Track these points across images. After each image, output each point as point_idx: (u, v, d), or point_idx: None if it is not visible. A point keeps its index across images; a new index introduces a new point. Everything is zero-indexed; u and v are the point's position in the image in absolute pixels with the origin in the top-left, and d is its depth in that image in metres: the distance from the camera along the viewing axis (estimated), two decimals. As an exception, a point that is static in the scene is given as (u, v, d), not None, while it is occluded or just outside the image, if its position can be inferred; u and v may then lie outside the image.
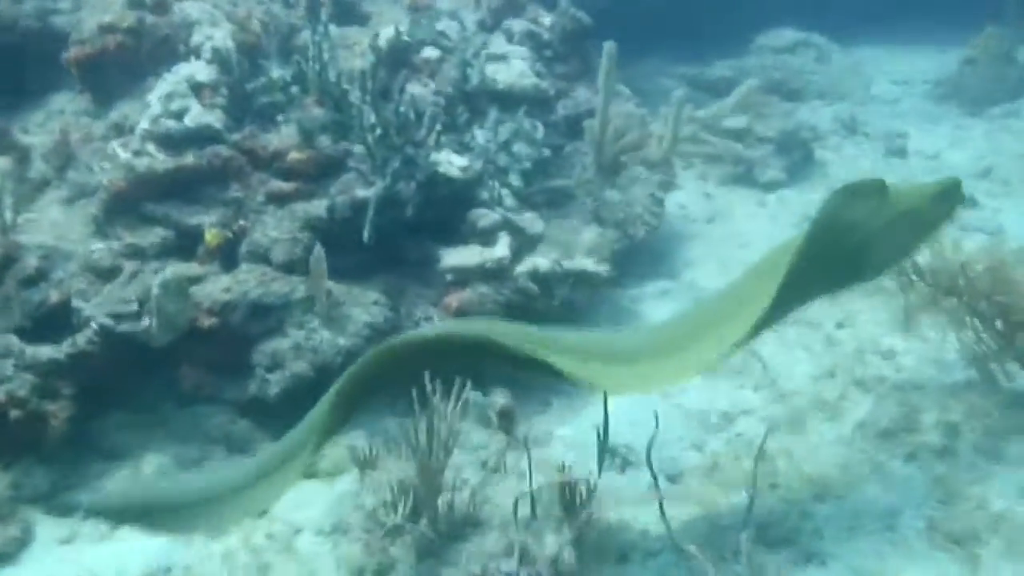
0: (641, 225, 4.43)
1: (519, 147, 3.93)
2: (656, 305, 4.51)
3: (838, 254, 2.58)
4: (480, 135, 3.90)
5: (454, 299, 3.57)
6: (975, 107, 6.81)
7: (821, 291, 2.77)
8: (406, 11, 4.83)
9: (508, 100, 4.42)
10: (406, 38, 4.30)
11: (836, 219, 2.49)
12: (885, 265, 2.84)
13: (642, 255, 4.82)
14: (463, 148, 3.89)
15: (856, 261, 2.64)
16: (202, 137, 3.65)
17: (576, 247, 4.03)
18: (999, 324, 3.28)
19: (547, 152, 4.13)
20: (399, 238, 3.68)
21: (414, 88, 4.17)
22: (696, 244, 5.22)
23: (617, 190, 4.38)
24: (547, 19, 4.91)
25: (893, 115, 7.06)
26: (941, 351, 3.72)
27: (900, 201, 2.63)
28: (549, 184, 4.16)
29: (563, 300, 3.79)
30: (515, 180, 3.88)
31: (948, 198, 2.75)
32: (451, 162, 3.73)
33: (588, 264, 3.88)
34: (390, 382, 2.60)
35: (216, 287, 3.30)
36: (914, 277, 3.47)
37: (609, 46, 4.22)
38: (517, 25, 4.75)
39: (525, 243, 3.87)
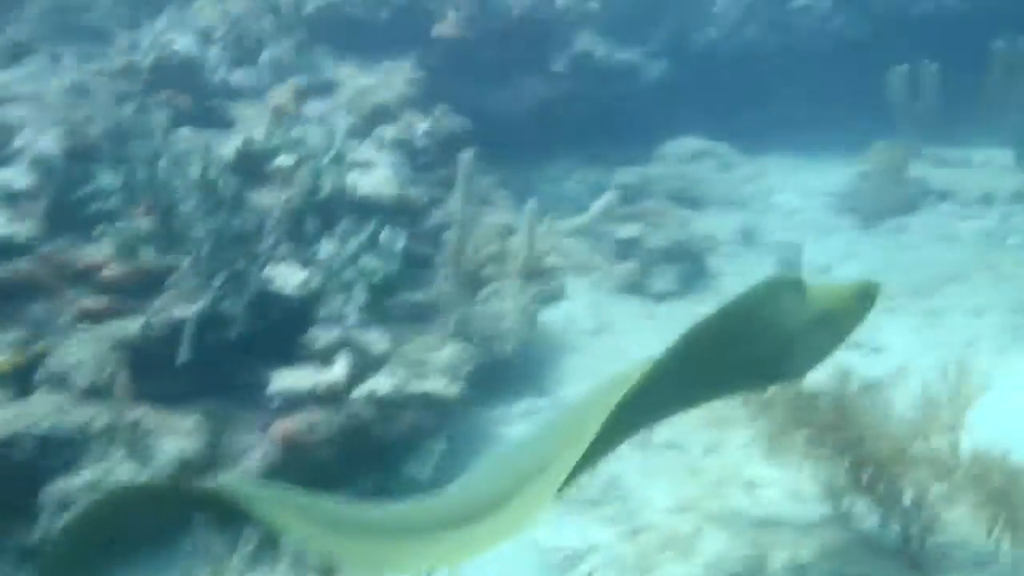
0: (509, 340, 4.28)
1: (368, 260, 3.78)
2: (521, 426, 4.33)
3: (752, 352, 2.44)
4: (325, 247, 3.75)
5: (281, 427, 3.35)
6: (869, 221, 6.88)
7: (728, 391, 2.64)
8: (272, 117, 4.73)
9: (369, 209, 4.30)
10: (259, 144, 4.18)
11: (750, 314, 2.33)
12: (801, 368, 2.72)
13: (513, 372, 4.67)
14: (307, 262, 3.72)
15: (770, 361, 2.51)
16: (6, 250, 3.43)
17: (430, 366, 3.85)
18: (847, 460, 3.15)
19: (395, 266, 3.98)
20: (227, 360, 3.47)
21: (264, 198, 4.02)
22: (576, 358, 5.08)
23: (484, 303, 4.24)
24: (422, 125, 4.86)
25: (791, 226, 7.12)
26: (801, 484, 3.58)
27: (818, 301, 2.52)
28: (410, 298, 4.01)
29: (408, 425, 3.58)
30: (361, 295, 3.72)
31: (865, 300, 2.72)
32: (288, 277, 3.56)
33: (438, 385, 3.70)
34: None
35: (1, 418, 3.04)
36: (767, 403, 3.35)
37: (465, 157, 4.15)
38: (390, 131, 4.69)
39: (370, 363, 3.68)
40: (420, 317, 4.11)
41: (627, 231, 5.97)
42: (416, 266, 4.70)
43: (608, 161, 8.52)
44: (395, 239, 3.97)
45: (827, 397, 3.15)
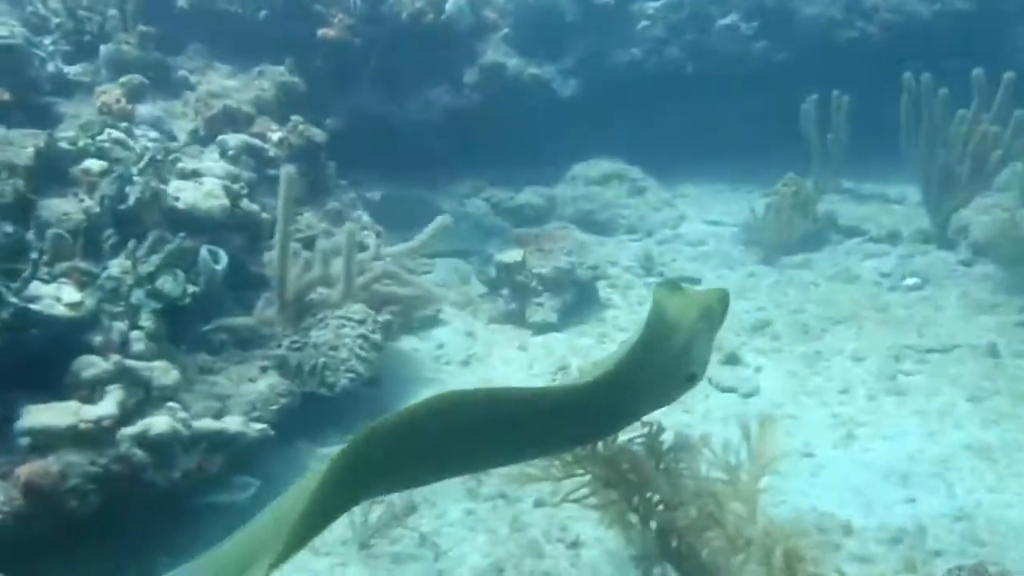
0: (344, 373, 3.96)
1: (165, 280, 3.45)
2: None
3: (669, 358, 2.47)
4: (115, 266, 3.41)
5: (26, 471, 2.99)
6: (772, 255, 6.68)
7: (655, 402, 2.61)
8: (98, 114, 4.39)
9: (193, 224, 3.97)
10: (66, 144, 3.84)
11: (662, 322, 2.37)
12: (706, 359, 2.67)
13: (351, 405, 4.36)
14: (90, 280, 3.38)
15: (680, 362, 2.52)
16: None
17: (236, 400, 3.52)
18: (653, 524, 2.88)
19: (214, 287, 3.66)
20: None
21: (64, 206, 3.67)
22: (429, 392, 4.75)
23: (321, 330, 3.92)
24: (276, 134, 4.54)
25: (693, 257, 6.91)
26: (623, 545, 3.31)
27: (698, 302, 2.60)
28: (232, 323, 3.69)
29: (192, 470, 3.24)
30: (148, 321, 3.39)
31: (725, 299, 2.75)
32: (59, 298, 3.22)
33: (232, 424, 3.37)
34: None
35: None
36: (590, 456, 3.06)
37: (288, 172, 3.84)
38: (235, 139, 4.36)
39: (154, 398, 3.34)
40: (245, 344, 3.78)
41: (510, 256, 5.68)
42: (253, 287, 4.38)
43: (517, 180, 8.28)
44: (214, 258, 3.64)
45: (633, 455, 2.87)
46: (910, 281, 6.12)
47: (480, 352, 5.32)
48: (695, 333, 2.52)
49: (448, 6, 6.22)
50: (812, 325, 5.58)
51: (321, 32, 6.13)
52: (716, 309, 2.66)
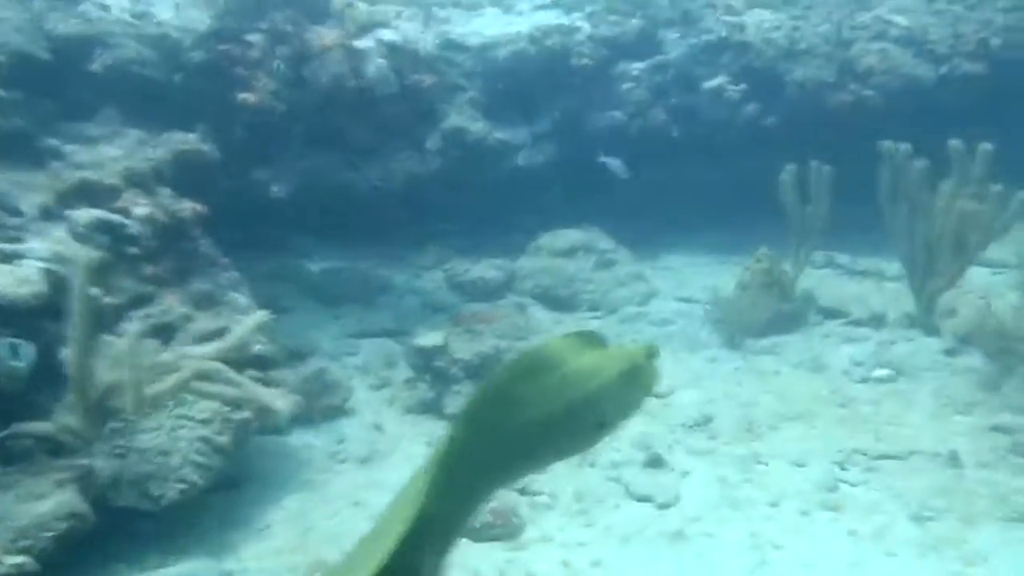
0: (174, 484, 3.67)
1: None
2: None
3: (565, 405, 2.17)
4: None
5: None
6: (739, 339, 6.27)
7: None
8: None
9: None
10: None
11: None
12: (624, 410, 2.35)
13: (195, 519, 4.05)
14: None
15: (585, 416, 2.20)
16: None
17: (7, 526, 3.23)
18: None
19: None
20: None
21: None
22: (306, 499, 4.44)
23: (149, 433, 3.64)
24: (142, 209, 4.33)
25: (655, 338, 6.51)
26: None
27: (618, 355, 2.26)
28: (24, 428, 3.43)
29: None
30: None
31: (653, 356, 2.34)
32: None
33: None
34: None
35: None
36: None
37: (85, 258, 3.59)
38: (86, 215, 4.15)
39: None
40: (58, 451, 3.52)
41: (429, 339, 5.38)
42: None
43: (485, 250, 8.04)
44: (14, 352, 3.41)
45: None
46: (881, 372, 5.66)
47: (384, 448, 4.99)
48: (611, 382, 2.19)
49: (370, 71, 6.03)
50: (760, 421, 5.16)
51: (241, 97, 5.98)
52: (643, 364, 2.28)
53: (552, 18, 9.02)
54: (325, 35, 6.25)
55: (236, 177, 6.42)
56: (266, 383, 4.19)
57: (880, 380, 5.62)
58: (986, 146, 5.70)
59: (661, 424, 5.18)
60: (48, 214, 4.22)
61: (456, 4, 9.71)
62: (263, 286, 6.50)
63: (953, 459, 4.61)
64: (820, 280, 7.40)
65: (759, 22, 8.66)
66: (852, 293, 7.02)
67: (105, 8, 6.70)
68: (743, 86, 8.42)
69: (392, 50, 6.07)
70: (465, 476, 1.93)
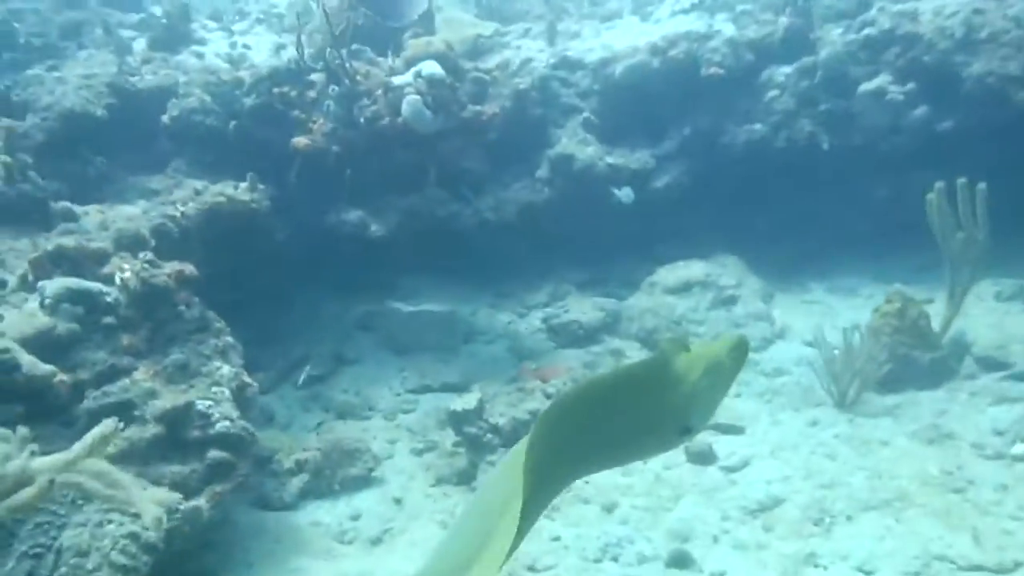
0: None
1: None
2: None
3: (654, 410, 2.61)
4: None
5: None
6: (856, 394, 5.44)
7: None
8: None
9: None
10: None
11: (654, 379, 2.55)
12: (704, 417, 2.84)
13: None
14: None
15: (674, 416, 2.68)
16: None
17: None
18: None
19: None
20: None
21: None
22: None
23: (72, 529, 3.63)
24: (125, 273, 4.38)
25: (759, 392, 5.84)
26: None
27: (703, 357, 2.76)
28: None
29: None
30: None
31: (739, 350, 2.89)
32: None
33: None
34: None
35: None
36: None
37: None
38: (53, 285, 4.23)
39: None
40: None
41: (464, 402, 5.08)
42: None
43: (608, 283, 7.63)
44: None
45: None
46: (1019, 449, 4.65)
47: (398, 527, 4.72)
48: (696, 390, 2.65)
49: (404, 108, 5.79)
50: (836, 510, 4.38)
51: (294, 141, 5.97)
52: (726, 363, 2.79)
53: (690, 23, 8.41)
54: (373, 71, 6.12)
55: (311, 221, 6.44)
56: (230, 464, 4.05)
57: (1018, 458, 4.60)
58: None
59: (715, 507, 4.54)
60: (26, 283, 4.35)
61: (593, 16, 9.34)
62: (335, 335, 6.51)
63: (1070, 579, 3.64)
64: (996, 317, 6.29)
65: (939, 7, 7.54)
66: (1009, 336, 5.89)
67: (200, 56, 6.99)
68: (910, 86, 7.38)
69: (431, 84, 5.82)
70: (552, 470, 2.26)
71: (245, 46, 7.57)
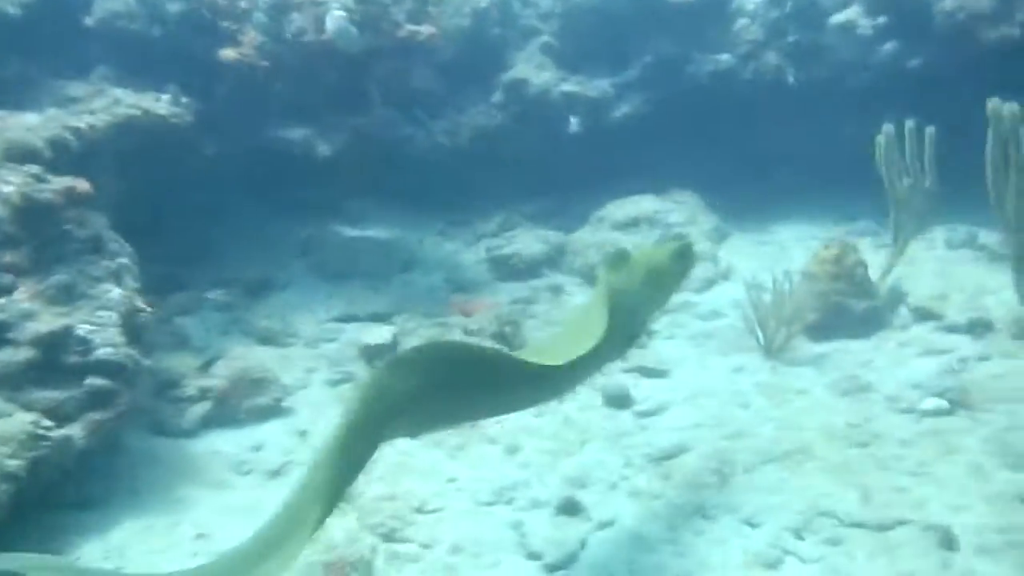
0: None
1: None
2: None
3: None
4: None
5: None
6: (783, 341, 5.42)
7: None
8: None
9: None
10: None
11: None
12: (648, 319, 3.77)
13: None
14: None
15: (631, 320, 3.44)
16: None
17: None
18: None
19: None
20: None
21: None
22: (154, 523, 4.18)
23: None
24: (7, 187, 4.30)
25: (692, 335, 5.89)
26: None
27: (645, 262, 3.54)
28: None
29: None
30: None
31: (683, 257, 3.72)
32: None
33: None
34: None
35: None
36: None
37: None
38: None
39: None
40: None
41: (376, 336, 5.08)
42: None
43: (564, 215, 7.57)
44: None
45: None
46: (932, 403, 4.63)
47: (299, 459, 4.74)
48: (639, 298, 3.45)
49: (328, 24, 5.60)
50: (735, 461, 4.39)
51: (221, 53, 5.82)
52: (670, 268, 3.60)
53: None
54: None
55: (257, 136, 6.33)
56: (110, 392, 4.05)
57: (927, 413, 4.59)
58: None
59: (620, 453, 4.56)
60: None
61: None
62: (269, 257, 6.49)
63: (947, 538, 3.65)
64: (940, 265, 6.24)
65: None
66: (970, 287, 5.83)
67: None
68: (881, 19, 7.18)
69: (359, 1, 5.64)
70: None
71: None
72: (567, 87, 7.36)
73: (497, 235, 7.36)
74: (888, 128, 5.73)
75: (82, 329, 4.09)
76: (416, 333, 5.30)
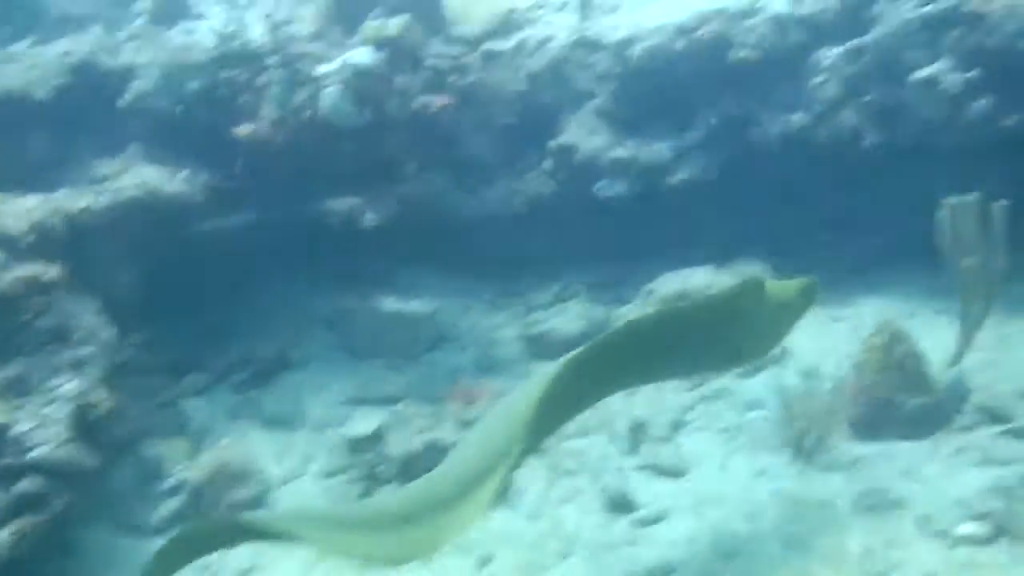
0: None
1: None
2: None
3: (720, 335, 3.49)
4: None
5: None
6: (821, 440, 4.93)
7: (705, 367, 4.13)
8: None
9: None
10: None
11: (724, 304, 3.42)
12: (766, 347, 4.08)
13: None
14: None
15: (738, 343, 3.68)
16: None
17: None
18: None
19: None
20: None
21: None
22: None
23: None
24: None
25: (723, 429, 5.40)
26: None
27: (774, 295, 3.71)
28: None
29: None
30: None
31: (808, 292, 3.98)
32: None
33: None
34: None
35: None
36: None
37: None
38: None
39: None
40: None
41: (361, 428, 4.91)
42: None
43: (602, 288, 7.27)
44: None
45: None
46: (966, 528, 4.05)
47: (266, 563, 4.57)
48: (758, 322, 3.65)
49: (322, 101, 5.50)
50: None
51: (236, 130, 5.85)
52: (793, 300, 3.83)
53: (737, -3, 7.74)
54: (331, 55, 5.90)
55: (285, 208, 6.35)
56: (42, 496, 3.99)
57: (962, 540, 4.01)
58: None
59: (599, 571, 4.20)
60: None
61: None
62: (293, 334, 6.43)
63: None
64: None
65: (1023, -21, 6.62)
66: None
67: (191, 32, 7.02)
68: (973, 73, 6.56)
69: (358, 75, 5.54)
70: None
71: (241, 21, 7.44)
72: (619, 152, 7.05)
73: (551, 306, 7.11)
74: (952, 200, 5.16)
75: (23, 427, 4.07)
76: (412, 423, 5.07)
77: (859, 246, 7.19)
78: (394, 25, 5.98)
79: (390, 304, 6.87)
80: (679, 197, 7.28)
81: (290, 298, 6.75)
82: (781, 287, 3.96)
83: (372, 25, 6.05)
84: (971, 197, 5.06)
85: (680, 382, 5.76)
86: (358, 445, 4.90)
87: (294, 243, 6.63)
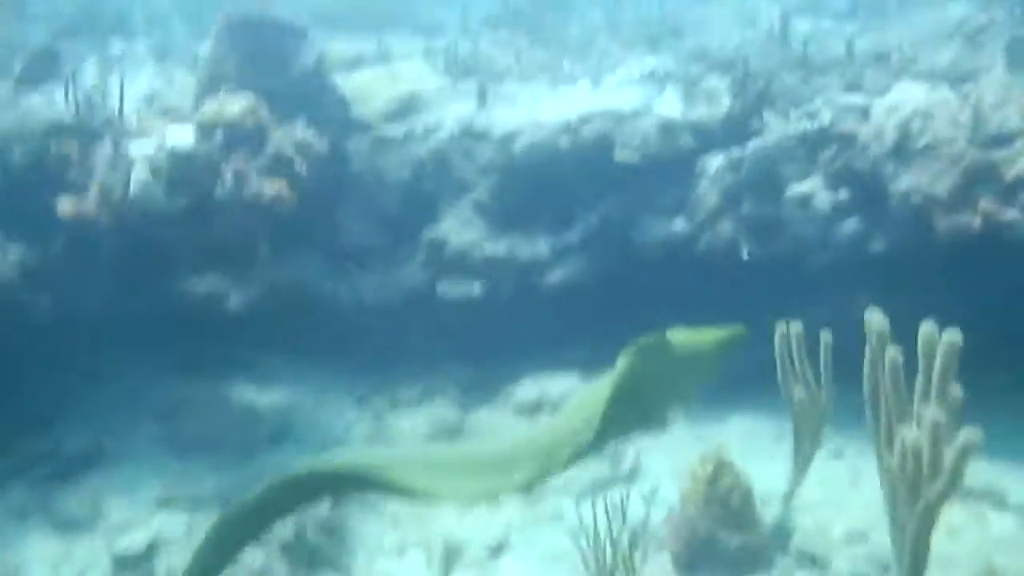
0: None
1: None
2: None
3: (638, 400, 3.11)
4: None
5: None
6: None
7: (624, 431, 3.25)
8: None
9: None
10: None
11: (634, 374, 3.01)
12: (670, 406, 3.47)
13: None
14: None
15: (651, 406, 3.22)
16: None
17: None
18: None
19: None
20: None
21: None
22: None
23: None
24: None
25: (546, 556, 5.27)
26: None
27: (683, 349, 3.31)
28: None
29: None
30: None
31: (728, 344, 3.42)
32: None
33: None
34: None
35: None
36: None
37: None
38: None
39: None
40: None
41: (135, 540, 4.76)
42: None
43: (475, 388, 7.21)
44: None
45: None
46: None
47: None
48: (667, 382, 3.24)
49: (131, 184, 5.38)
50: None
51: (60, 207, 5.70)
52: (707, 353, 3.34)
53: (633, 95, 7.83)
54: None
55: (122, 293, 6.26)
56: None
57: None
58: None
59: None
60: None
61: (552, 79, 8.84)
62: (116, 424, 6.26)
63: None
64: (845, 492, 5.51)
65: (896, 103, 6.70)
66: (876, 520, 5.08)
67: (50, 95, 6.96)
68: (844, 194, 6.62)
69: (174, 158, 5.45)
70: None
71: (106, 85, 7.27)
72: (492, 249, 7.03)
73: (419, 404, 7.03)
74: (783, 329, 5.14)
75: None
76: (190, 537, 4.89)
77: (736, 360, 7.13)
78: (236, 105, 5.91)
79: (240, 394, 6.78)
80: (555, 298, 7.26)
81: (125, 385, 6.61)
82: (693, 338, 3.55)
83: (211, 105, 5.98)
84: (797, 326, 5.00)
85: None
86: (123, 562, 4.68)
87: (144, 326, 6.53)
